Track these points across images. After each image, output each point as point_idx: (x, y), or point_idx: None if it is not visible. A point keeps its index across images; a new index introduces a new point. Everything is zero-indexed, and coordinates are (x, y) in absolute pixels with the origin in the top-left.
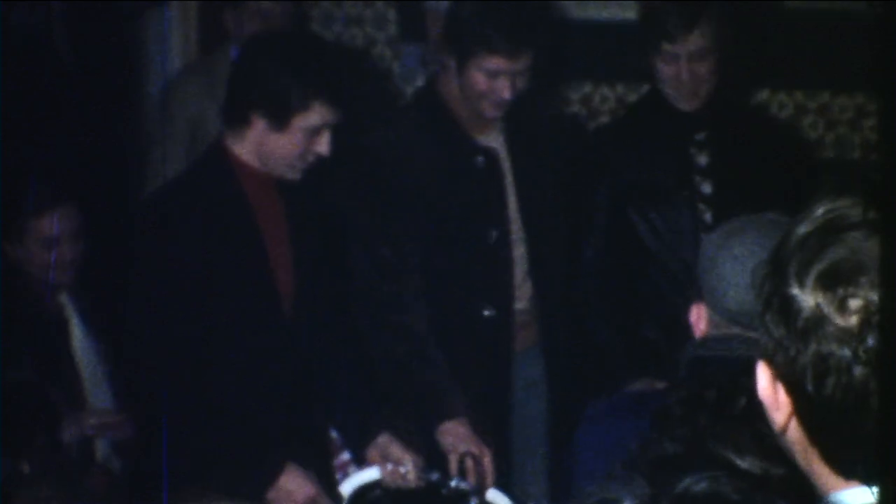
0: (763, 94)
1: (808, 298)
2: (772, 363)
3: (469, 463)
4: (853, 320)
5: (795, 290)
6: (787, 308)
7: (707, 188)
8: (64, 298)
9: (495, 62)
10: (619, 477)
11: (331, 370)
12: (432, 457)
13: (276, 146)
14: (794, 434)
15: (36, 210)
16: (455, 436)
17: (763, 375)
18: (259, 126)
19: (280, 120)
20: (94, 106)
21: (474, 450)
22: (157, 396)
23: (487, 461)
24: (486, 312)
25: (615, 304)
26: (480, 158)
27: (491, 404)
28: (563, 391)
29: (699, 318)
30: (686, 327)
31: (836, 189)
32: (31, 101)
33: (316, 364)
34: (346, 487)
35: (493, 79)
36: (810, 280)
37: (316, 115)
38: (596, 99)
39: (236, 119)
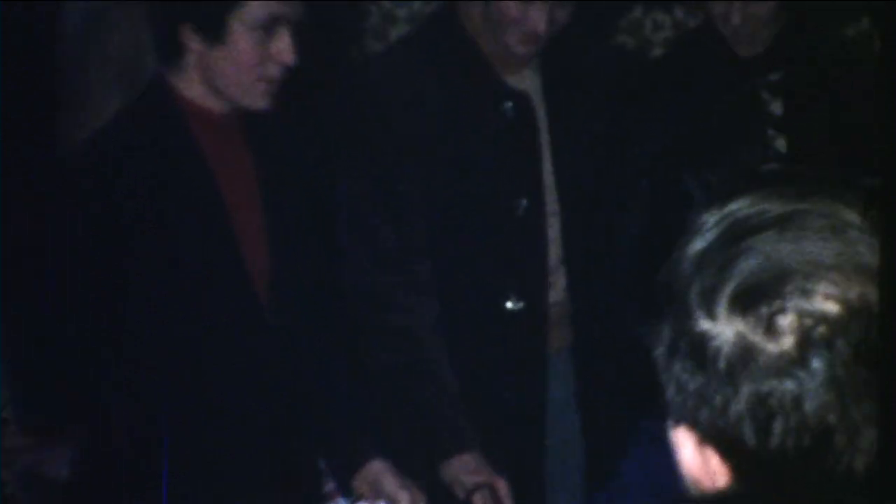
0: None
1: (724, 330)
2: (694, 424)
3: (479, 501)
4: (788, 342)
5: (706, 325)
6: (700, 349)
7: (782, 143)
8: None
9: None
10: None
11: (315, 378)
12: (435, 491)
13: (222, 65)
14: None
15: None
16: (462, 468)
17: (685, 443)
18: (195, 46)
19: (215, 27)
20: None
21: (486, 480)
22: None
23: (503, 491)
24: (511, 305)
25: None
26: (509, 104)
27: (520, 423)
28: (601, 406)
29: None
30: None
31: (726, 191)
32: None
33: (296, 370)
34: None
35: (526, 4)
36: (722, 306)
37: (258, 6)
38: (647, 26)
39: (168, 47)
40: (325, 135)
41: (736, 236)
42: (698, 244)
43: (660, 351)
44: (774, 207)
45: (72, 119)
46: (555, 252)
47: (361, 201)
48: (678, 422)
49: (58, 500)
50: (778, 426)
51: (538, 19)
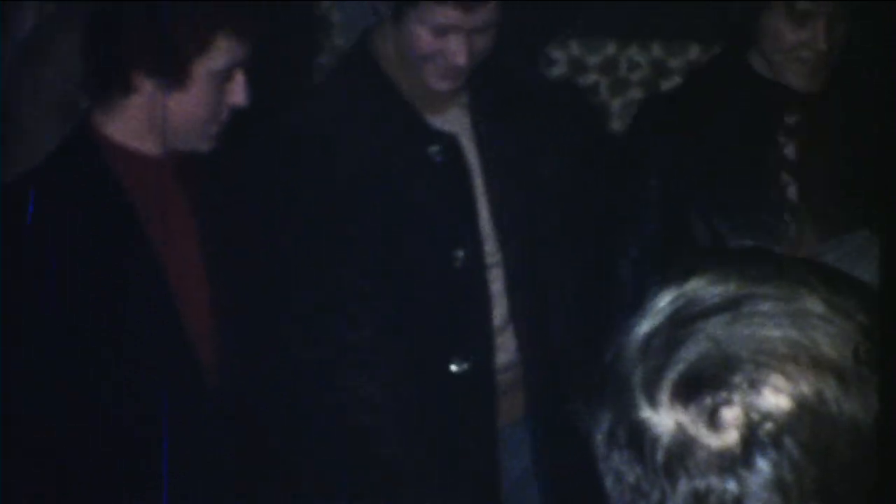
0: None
1: (664, 420)
2: None
3: None
4: (731, 437)
5: (646, 413)
6: (639, 438)
7: (793, 188)
8: None
9: (444, 14)
10: None
11: (261, 438)
12: None
13: (177, 110)
14: None
15: None
16: None
17: None
18: (146, 89)
19: (177, 72)
20: None
21: None
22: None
23: None
24: (455, 367)
25: None
26: (435, 148)
27: (475, 498)
28: (561, 481)
29: None
30: None
31: (684, 268)
32: None
33: (244, 433)
34: None
35: (441, 36)
36: (664, 394)
37: (222, 53)
38: (623, 65)
39: (110, 86)
40: (260, 179)
41: (686, 318)
42: (647, 325)
43: (599, 438)
44: (731, 289)
45: (12, 152)
46: (500, 308)
47: (296, 270)
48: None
49: None
50: None
51: (457, 51)
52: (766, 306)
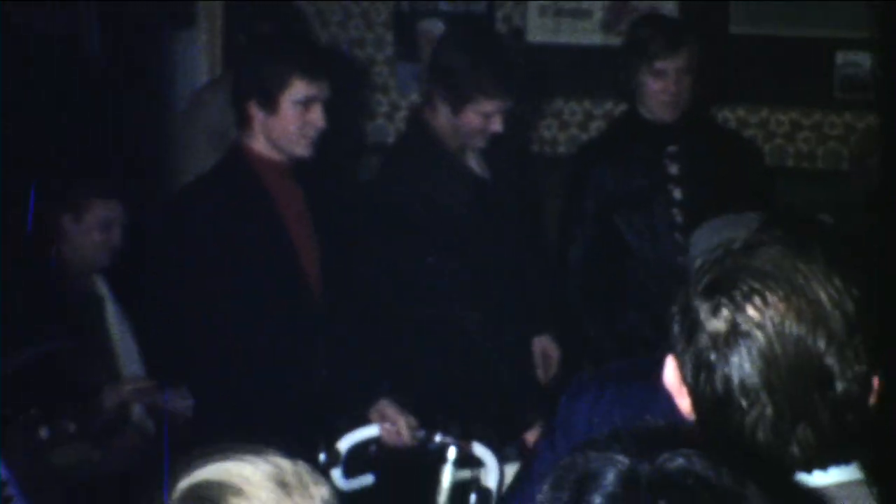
0: (710, 110)
1: (694, 303)
2: (676, 357)
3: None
4: (721, 326)
5: (689, 301)
6: (684, 311)
7: (678, 194)
8: (98, 279)
9: (491, 106)
10: (600, 447)
11: (347, 340)
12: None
13: (276, 128)
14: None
15: (101, 195)
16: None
17: (669, 367)
18: (258, 116)
19: (270, 103)
20: (126, 109)
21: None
22: (196, 363)
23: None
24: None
25: (601, 299)
26: (469, 180)
27: None
28: None
29: None
30: (663, 315)
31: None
32: (71, 104)
33: (335, 336)
34: (344, 444)
35: (487, 118)
36: (699, 289)
37: (298, 89)
38: (566, 112)
39: (242, 116)
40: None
41: (721, 255)
42: (703, 256)
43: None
44: (752, 238)
45: (189, 164)
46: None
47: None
48: (670, 353)
49: (183, 430)
50: (702, 377)
51: (497, 125)
52: (773, 252)
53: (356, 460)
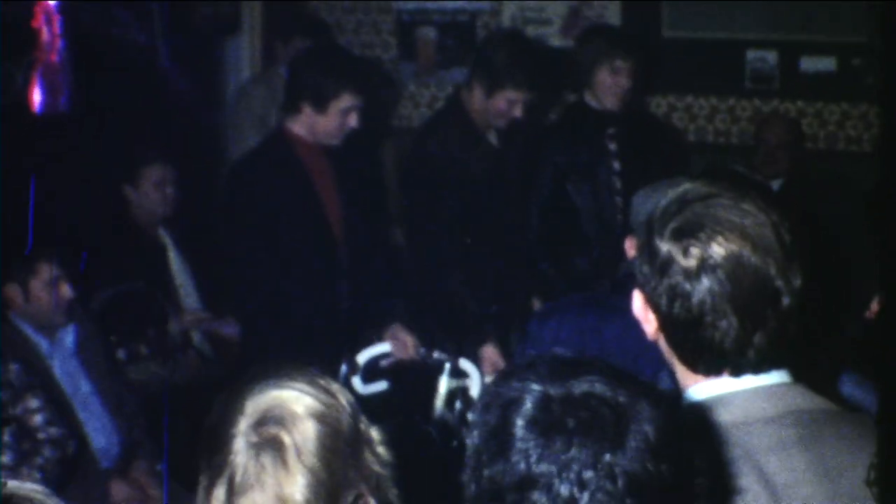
0: (646, 98)
1: (664, 246)
2: (643, 290)
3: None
4: (693, 263)
5: (657, 241)
6: (652, 253)
7: (617, 166)
8: (162, 231)
9: (516, 95)
10: (519, 377)
11: (369, 278)
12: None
13: (321, 125)
14: (662, 342)
15: (149, 162)
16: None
17: (637, 299)
18: (308, 111)
19: (322, 105)
20: (188, 102)
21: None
22: (247, 297)
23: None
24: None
25: (555, 248)
26: (489, 151)
27: None
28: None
29: (631, 247)
30: (605, 260)
31: (693, 175)
32: (143, 96)
33: (359, 274)
34: (363, 356)
35: (512, 105)
36: (666, 234)
37: (346, 100)
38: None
39: (292, 108)
40: (375, 163)
41: (685, 200)
42: (667, 200)
43: (637, 251)
44: (706, 190)
45: (231, 147)
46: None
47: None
48: (637, 287)
49: (232, 351)
50: (677, 305)
51: (518, 112)
52: (723, 200)
53: (372, 371)
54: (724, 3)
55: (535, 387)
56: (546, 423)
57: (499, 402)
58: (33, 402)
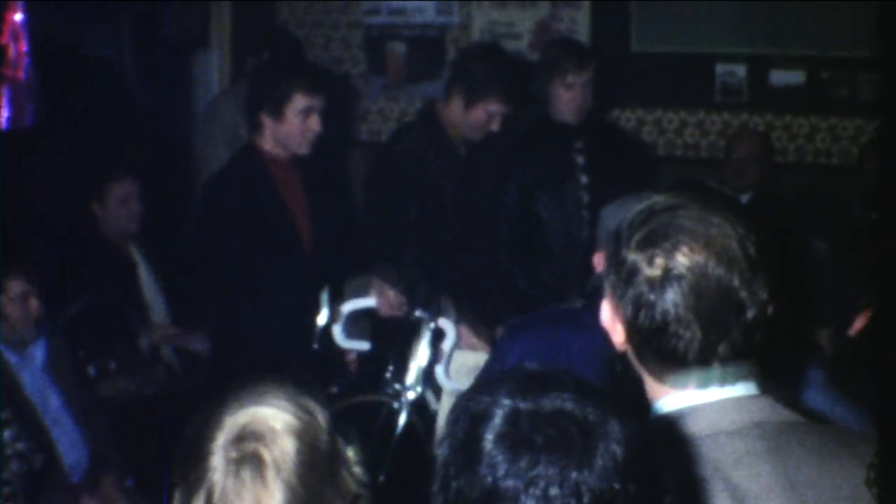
0: (615, 112)
1: (630, 256)
2: (610, 300)
3: None
4: (657, 272)
5: (624, 251)
6: (619, 263)
7: (584, 179)
8: (132, 247)
9: (496, 106)
10: (489, 390)
11: (334, 272)
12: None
13: (282, 132)
14: (629, 352)
15: (114, 178)
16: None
17: (605, 309)
18: (267, 122)
19: (277, 111)
20: (156, 115)
21: None
22: (222, 311)
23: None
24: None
25: (523, 261)
26: (459, 164)
27: None
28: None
29: (600, 261)
30: (572, 274)
31: (662, 188)
32: (111, 111)
33: (324, 274)
34: (347, 307)
35: (490, 117)
36: (633, 244)
37: (299, 101)
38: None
39: (254, 123)
40: (343, 175)
41: (651, 212)
42: (635, 211)
43: (606, 262)
44: (674, 200)
45: (200, 161)
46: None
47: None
48: (605, 297)
49: (202, 366)
50: (642, 314)
51: (495, 124)
52: (689, 212)
53: (356, 329)
54: (693, 17)
55: (505, 401)
56: (514, 439)
57: (468, 414)
58: (4, 415)
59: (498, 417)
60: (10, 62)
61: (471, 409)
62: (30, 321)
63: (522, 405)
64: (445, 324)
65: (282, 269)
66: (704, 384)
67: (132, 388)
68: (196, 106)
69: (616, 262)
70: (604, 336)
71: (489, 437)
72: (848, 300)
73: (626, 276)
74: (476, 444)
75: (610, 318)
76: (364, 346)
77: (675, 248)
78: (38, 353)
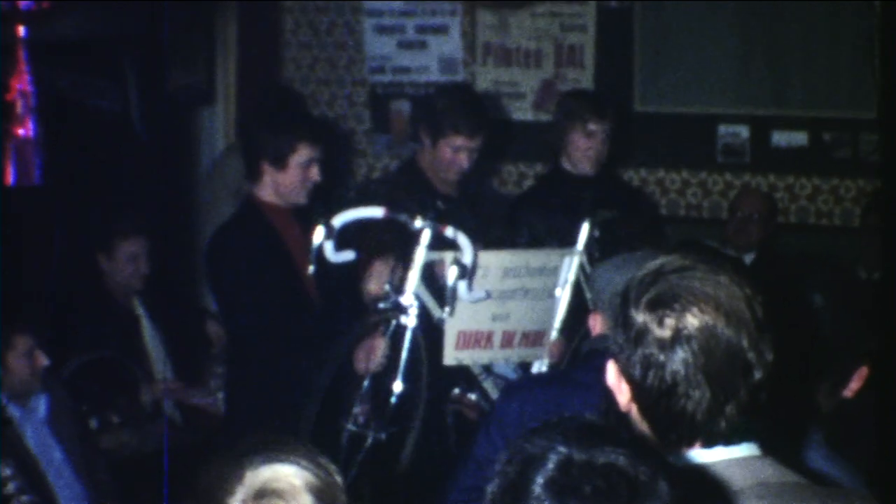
0: (618, 171)
1: (639, 317)
2: (617, 361)
3: None
4: (667, 333)
5: (632, 312)
6: (627, 323)
7: (596, 233)
8: (136, 301)
9: (459, 141)
10: (545, 434)
11: (334, 321)
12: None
13: (283, 182)
14: (634, 413)
15: (124, 235)
16: None
17: (611, 369)
18: (268, 171)
19: (281, 162)
20: (161, 170)
21: None
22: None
23: None
24: None
25: None
26: (440, 203)
27: None
28: None
29: (595, 323)
30: (580, 330)
31: (667, 249)
32: (116, 165)
33: (328, 322)
34: (338, 220)
35: (456, 153)
36: (642, 305)
37: (303, 153)
38: (504, 173)
39: (254, 173)
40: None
41: (661, 272)
42: (643, 271)
43: (612, 321)
44: (683, 262)
45: (205, 216)
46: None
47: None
48: (611, 357)
49: (204, 421)
50: (651, 375)
51: (463, 160)
52: (698, 273)
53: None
54: (696, 77)
55: (561, 448)
56: (563, 486)
57: (522, 456)
58: (6, 471)
59: (551, 462)
60: (17, 119)
61: (526, 450)
62: (36, 376)
63: (576, 454)
64: (459, 236)
65: (288, 323)
66: (710, 444)
67: (134, 442)
68: (201, 161)
69: (624, 322)
70: (599, 396)
71: (539, 481)
72: (845, 358)
73: (634, 336)
74: (525, 486)
75: (615, 378)
76: (349, 256)
77: (686, 309)
78: (40, 406)
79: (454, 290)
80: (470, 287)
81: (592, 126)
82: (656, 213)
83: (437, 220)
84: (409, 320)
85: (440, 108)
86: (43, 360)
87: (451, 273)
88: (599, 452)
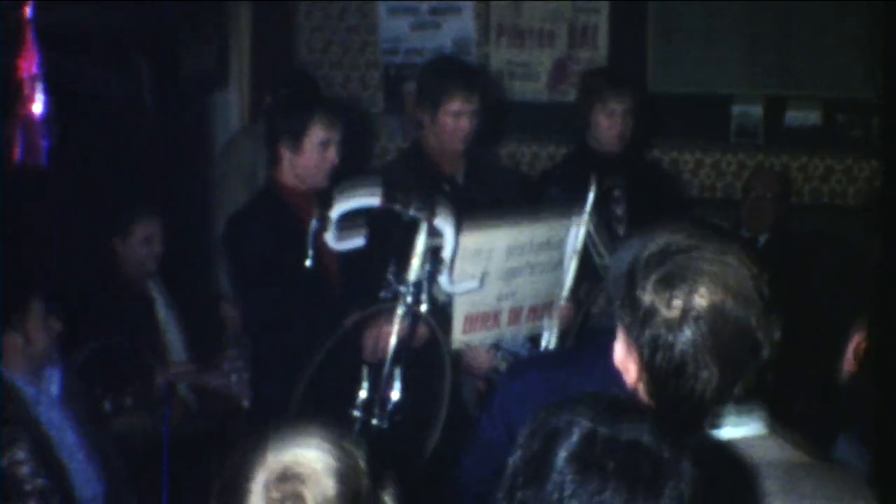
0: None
1: (646, 297)
2: (624, 340)
3: None
4: (675, 314)
5: (639, 292)
6: (634, 304)
7: (620, 210)
8: (150, 284)
9: (457, 105)
10: (570, 408)
11: (350, 304)
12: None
13: (300, 165)
14: (641, 391)
15: (139, 217)
16: None
17: (619, 348)
18: (286, 155)
19: (295, 144)
20: (175, 154)
21: None
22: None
23: None
24: None
25: None
26: (447, 184)
27: None
28: None
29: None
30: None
31: (672, 225)
32: (130, 151)
33: (346, 306)
34: (335, 212)
35: (456, 118)
36: (649, 285)
37: (317, 133)
38: (518, 154)
39: (273, 157)
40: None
41: (667, 252)
42: (649, 251)
43: (618, 301)
44: (691, 241)
45: (219, 199)
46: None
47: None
48: (624, 332)
49: (219, 404)
50: (658, 356)
51: (465, 125)
52: (705, 252)
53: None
54: (709, 58)
55: (585, 422)
56: (587, 460)
57: (546, 428)
58: (20, 454)
59: (575, 436)
60: (24, 99)
61: (550, 423)
62: (52, 340)
63: (601, 429)
64: (443, 224)
65: (310, 306)
66: (718, 424)
67: (148, 426)
68: (215, 145)
69: (631, 302)
70: (603, 376)
71: (562, 455)
72: (843, 330)
73: (642, 317)
74: (549, 458)
75: (623, 358)
76: (358, 242)
77: (693, 289)
78: (53, 385)
79: (432, 284)
80: (451, 280)
81: (612, 104)
82: (683, 192)
83: (428, 209)
84: (420, 307)
85: (429, 80)
86: (57, 325)
87: (424, 266)
88: (624, 428)
